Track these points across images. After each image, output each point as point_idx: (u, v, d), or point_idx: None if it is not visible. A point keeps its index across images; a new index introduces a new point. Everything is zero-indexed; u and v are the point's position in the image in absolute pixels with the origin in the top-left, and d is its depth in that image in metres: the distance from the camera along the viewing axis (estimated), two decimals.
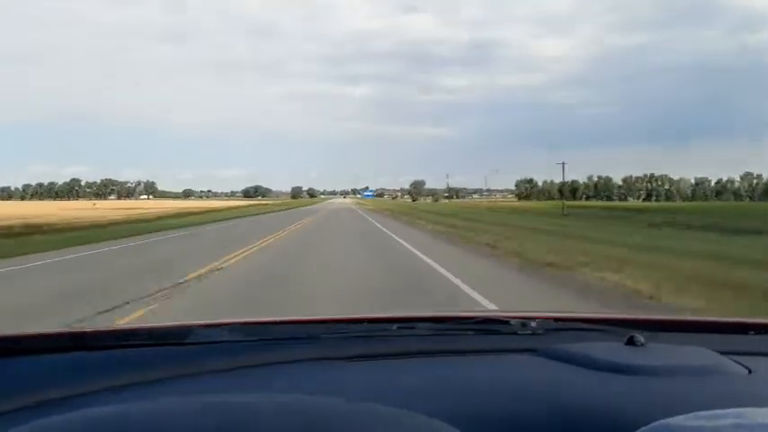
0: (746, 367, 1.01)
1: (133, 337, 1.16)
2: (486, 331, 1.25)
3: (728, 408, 0.73)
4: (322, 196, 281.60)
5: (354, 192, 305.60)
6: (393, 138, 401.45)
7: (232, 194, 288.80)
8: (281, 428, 0.68)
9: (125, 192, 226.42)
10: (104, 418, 0.70)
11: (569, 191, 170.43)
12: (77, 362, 0.99)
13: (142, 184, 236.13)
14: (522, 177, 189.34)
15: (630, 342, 1.09)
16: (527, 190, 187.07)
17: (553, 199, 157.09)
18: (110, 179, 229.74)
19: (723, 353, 1.06)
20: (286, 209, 65.45)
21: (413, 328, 1.24)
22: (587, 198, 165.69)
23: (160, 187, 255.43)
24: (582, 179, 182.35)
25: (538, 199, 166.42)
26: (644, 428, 0.70)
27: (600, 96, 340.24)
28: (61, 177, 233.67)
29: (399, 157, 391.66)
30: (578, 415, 0.81)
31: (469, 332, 1.25)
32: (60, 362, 0.99)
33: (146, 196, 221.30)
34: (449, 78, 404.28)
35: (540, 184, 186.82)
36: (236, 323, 1.21)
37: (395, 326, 1.23)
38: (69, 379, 0.93)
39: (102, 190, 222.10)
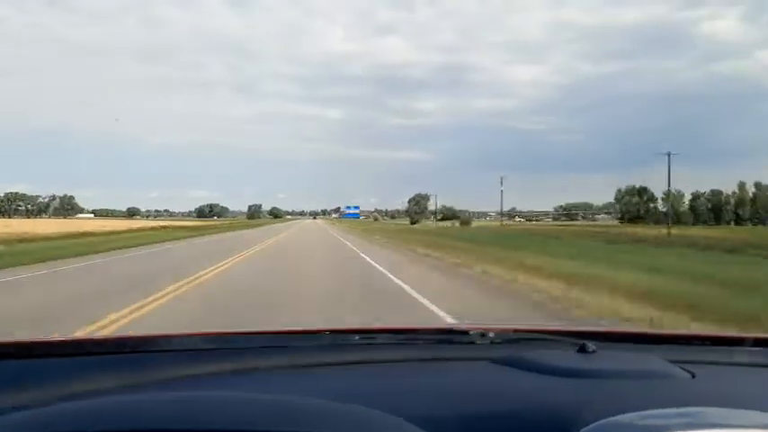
0: (690, 372, 1.05)
1: (98, 346, 1.19)
2: (445, 341, 1.28)
3: (673, 408, 0.77)
4: (288, 217, 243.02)
5: (324, 212, 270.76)
6: (365, 160, 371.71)
7: (189, 214, 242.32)
8: (243, 417, 0.70)
9: (36, 209, 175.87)
10: (76, 410, 0.74)
11: (707, 209, 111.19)
12: (34, 370, 1.02)
13: (57, 199, 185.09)
14: (629, 185, 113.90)
15: (582, 350, 1.13)
16: (637, 208, 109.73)
17: (683, 222, 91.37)
18: (16, 193, 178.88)
19: (669, 361, 1.10)
20: (222, 231, 47.18)
21: (373, 338, 1.27)
22: (738, 220, 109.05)
23: (110, 206, 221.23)
24: (729, 189, 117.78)
25: (654, 223, 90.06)
26: (592, 425, 0.73)
27: (572, 122, 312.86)
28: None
29: (370, 179, 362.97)
30: (530, 416, 0.84)
31: (428, 342, 1.27)
32: (29, 369, 1.03)
33: (90, 215, 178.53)
34: (421, 102, 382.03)
35: (657, 195, 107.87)
36: (204, 333, 1.25)
37: (356, 336, 1.26)
38: (36, 385, 0.95)
39: (7, 206, 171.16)
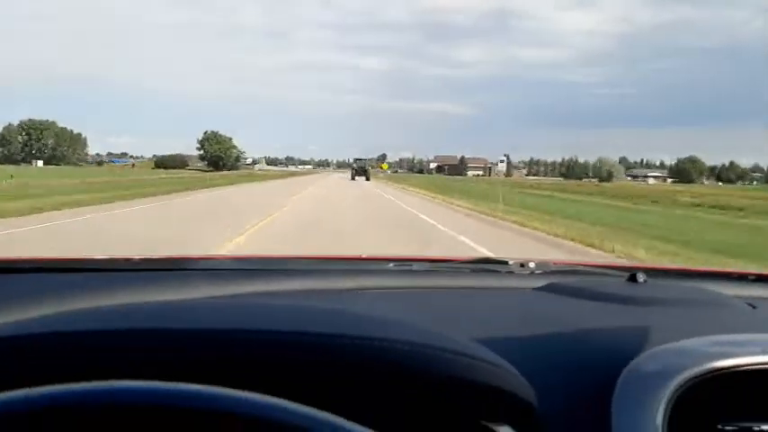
0: (750, 304, 1.00)
1: (128, 263, 1.17)
2: (484, 270, 1.23)
3: (736, 334, 0.74)
4: (294, 167, 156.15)
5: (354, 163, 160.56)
6: (402, 112, 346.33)
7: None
8: (281, 321, 0.63)
9: None
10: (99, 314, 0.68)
11: None
12: (64, 282, 0.99)
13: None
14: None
15: (632, 279, 1.10)
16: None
17: None
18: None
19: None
20: None
21: (409, 266, 1.22)
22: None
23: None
24: None
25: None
26: (653, 350, 0.69)
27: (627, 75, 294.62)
28: None
29: (405, 132, 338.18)
30: (581, 343, 0.79)
31: (466, 270, 1.23)
32: (57, 281, 1.01)
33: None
34: (465, 51, 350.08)
35: None
36: (232, 257, 1.41)
37: (391, 264, 1.22)
38: (64, 295, 0.90)
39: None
